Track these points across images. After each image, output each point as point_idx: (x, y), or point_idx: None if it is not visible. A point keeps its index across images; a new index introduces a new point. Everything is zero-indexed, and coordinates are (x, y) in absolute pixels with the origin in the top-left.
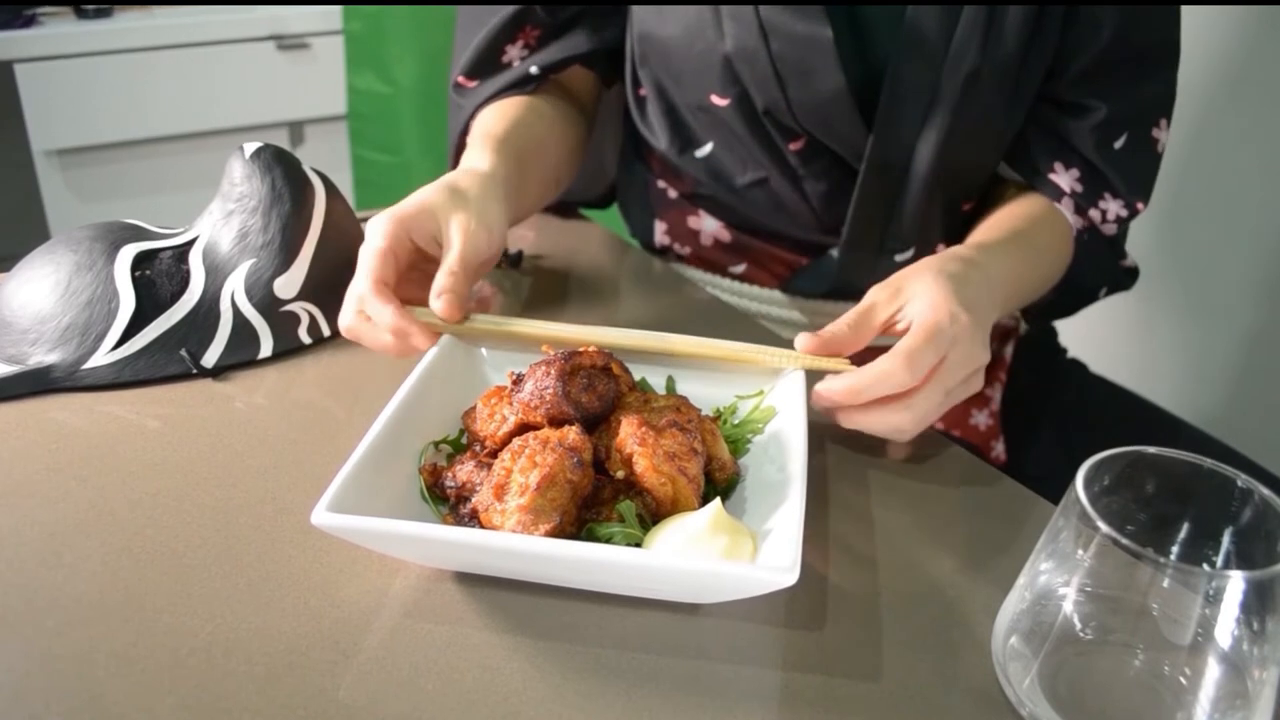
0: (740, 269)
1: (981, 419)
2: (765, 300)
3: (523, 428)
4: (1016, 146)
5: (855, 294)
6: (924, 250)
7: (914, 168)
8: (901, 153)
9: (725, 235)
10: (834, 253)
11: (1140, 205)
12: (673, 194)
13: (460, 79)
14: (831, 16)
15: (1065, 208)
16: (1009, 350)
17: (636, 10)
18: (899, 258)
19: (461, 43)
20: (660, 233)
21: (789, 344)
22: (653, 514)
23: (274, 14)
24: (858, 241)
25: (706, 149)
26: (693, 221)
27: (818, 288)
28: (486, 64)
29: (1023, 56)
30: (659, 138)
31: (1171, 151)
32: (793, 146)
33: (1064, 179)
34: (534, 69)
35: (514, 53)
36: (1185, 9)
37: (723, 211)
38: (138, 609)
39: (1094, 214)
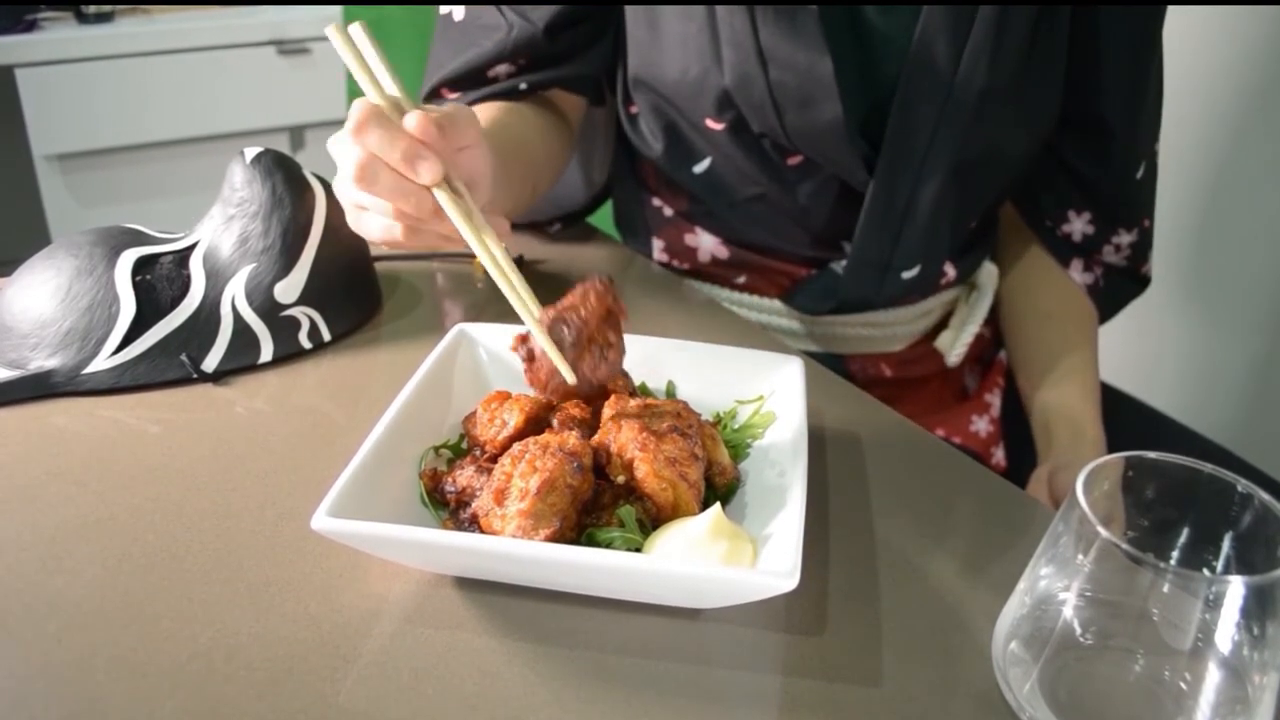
0: (741, 280)
1: (982, 425)
2: (767, 310)
3: (522, 432)
4: (1026, 195)
5: (860, 309)
6: (930, 268)
7: (922, 190)
8: (910, 175)
9: (723, 252)
10: (836, 268)
11: (1146, 222)
12: (669, 212)
13: (443, 90)
14: (834, 43)
15: (1075, 270)
16: (1005, 355)
17: (631, 32)
18: (905, 275)
19: (443, 54)
20: (658, 250)
21: (793, 351)
22: (653, 519)
23: (274, 19)
24: (864, 261)
25: (705, 164)
26: (690, 239)
27: (822, 305)
28: (473, 80)
29: (1024, 72)
30: (654, 150)
31: (1179, 157)
32: (791, 162)
33: (1076, 225)
34: (523, 85)
35: (501, 70)
36: (1194, 10)
37: (720, 228)
38: (138, 614)
39: (1107, 249)
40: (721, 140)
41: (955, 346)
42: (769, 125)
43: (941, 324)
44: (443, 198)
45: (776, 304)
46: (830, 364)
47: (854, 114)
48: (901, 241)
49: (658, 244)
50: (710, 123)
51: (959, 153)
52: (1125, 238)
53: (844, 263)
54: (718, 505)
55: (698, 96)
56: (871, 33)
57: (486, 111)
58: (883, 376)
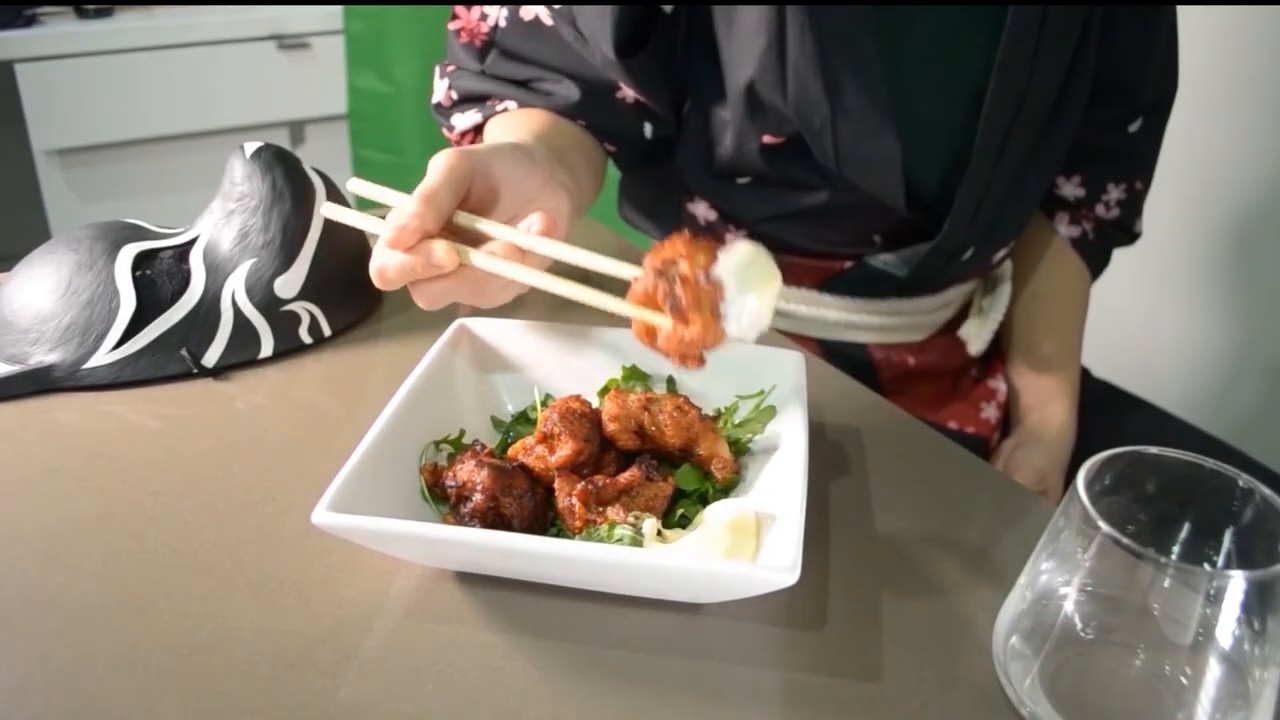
0: None
1: (991, 412)
2: (794, 299)
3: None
4: None
5: (911, 295)
6: (984, 253)
7: (999, 183)
8: (968, 232)
9: None
10: (875, 262)
11: (1139, 184)
12: (701, 219)
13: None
14: (890, 83)
15: (1061, 224)
16: None
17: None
18: (963, 258)
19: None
20: None
21: (814, 339)
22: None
23: (275, 14)
24: (917, 284)
25: (746, 178)
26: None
27: (851, 292)
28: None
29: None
30: (700, 159)
31: (1179, 151)
32: (835, 179)
33: (1066, 189)
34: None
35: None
36: (1195, 10)
37: (755, 238)
38: (138, 609)
39: (1099, 208)
40: (772, 155)
41: (980, 334)
42: (823, 149)
43: (959, 315)
44: (482, 261)
45: (804, 292)
46: (854, 353)
47: (907, 148)
48: (952, 266)
49: None
50: (766, 139)
51: (1018, 210)
52: (1114, 193)
53: (883, 256)
54: (737, 503)
55: (757, 112)
56: (928, 77)
57: (530, 120)
58: (906, 366)
